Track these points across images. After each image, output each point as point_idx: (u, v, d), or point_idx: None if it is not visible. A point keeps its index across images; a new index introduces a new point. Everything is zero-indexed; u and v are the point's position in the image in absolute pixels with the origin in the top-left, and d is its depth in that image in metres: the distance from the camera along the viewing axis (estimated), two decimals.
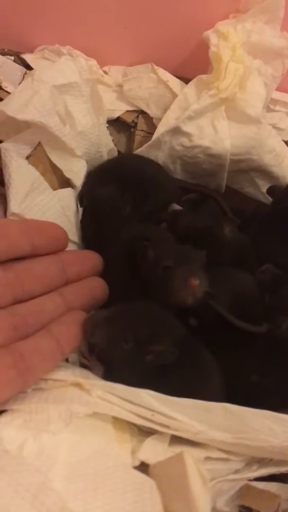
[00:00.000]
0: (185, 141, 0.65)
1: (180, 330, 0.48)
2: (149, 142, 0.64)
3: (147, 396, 0.42)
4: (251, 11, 0.64)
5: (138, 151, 0.66)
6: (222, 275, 0.53)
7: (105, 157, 0.67)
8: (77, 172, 0.62)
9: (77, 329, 0.45)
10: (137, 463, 0.39)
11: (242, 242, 0.59)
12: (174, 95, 0.67)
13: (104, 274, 0.53)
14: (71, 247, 0.56)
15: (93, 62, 0.70)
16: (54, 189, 0.58)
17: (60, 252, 0.49)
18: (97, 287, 0.51)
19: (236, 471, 0.43)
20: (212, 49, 0.63)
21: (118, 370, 0.45)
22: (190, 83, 0.65)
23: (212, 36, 0.63)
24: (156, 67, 0.68)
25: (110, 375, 0.44)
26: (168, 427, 0.41)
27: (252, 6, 0.65)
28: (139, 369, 0.45)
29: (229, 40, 0.62)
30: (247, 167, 0.67)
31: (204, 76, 0.64)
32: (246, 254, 0.59)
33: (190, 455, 0.38)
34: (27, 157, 0.57)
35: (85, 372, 0.45)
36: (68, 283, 0.48)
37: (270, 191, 0.65)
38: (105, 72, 0.71)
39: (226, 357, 0.50)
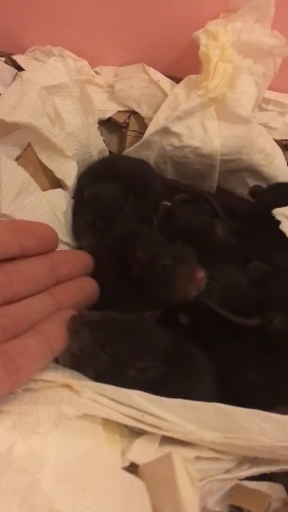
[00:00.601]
0: (175, 141, 0.65)
1: (166, 343, 0.48)
2: (139, 142, 0.65)
3: (138, 397, 0.42)
4: (241, 10, 0.64)
5: (128, 151, 0.66)
6: (213, 270, 0.53)
7: (95, 157, 0.66)
8: (68, 173, 0.62)
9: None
10: (126, 464, 0.39)
11: (232, 241, 0.59)
12: (165, 95, 0.67)
13: (95, 272, 0.53)
14: (61, 247, 0.56)
15: (84, 63, 0.70)
16: (44, 190, 0.58)
17: (50, 253, 0.49)
18: (87, 287, 0.51)
19: (227, 471, 0.43)
20: (202, 49, 0.63)
21: (103, 374, 0.44)
22: (180, 83, 0.65)
23: (202, 36, 0.64)
24: (147, 67, 0.68)
25: (99, 377, 0.44)
26: (158, 428, 0.41)
27: (242, 5, 0.65)
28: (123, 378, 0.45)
29: (218, 40, 0.62)
30: (237, 167, 0.67)
31: (194, 76, 0.64)
32: (235, 253, 0.59)
33: (179, 455, 0.38)
34: (17, 158, 0.57)
35: (75, 373, 0.45)
36: (58, 284, 0.48)
37: (251, 192, 0.65)
38: (97, 73, 0.71)
39: (220, 354, 0.51)
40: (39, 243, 0.47)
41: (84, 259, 0.53)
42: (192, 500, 0.35)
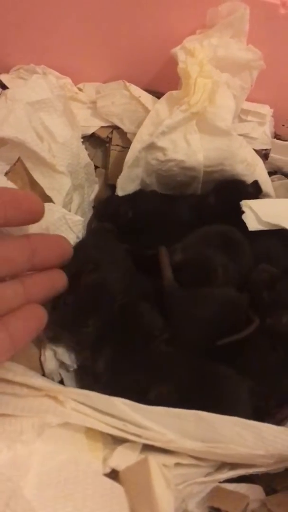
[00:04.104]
0: (159, 155, 0.66)
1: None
2: (129, 163, 0.65)
3: (121, 405, 0.44)
4: (217, 26, 0.66)
5: (121, 177, 0.66)
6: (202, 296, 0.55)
7: (83, 170, 0.68)
8: (59, 189, 0.62)
9: (33, 325, 0.45)
10: (108, 470, 0.41)
11: None
12: (147, 110, 0.68)
13: None
14: None
15: (67, 80, 0.72)
16: None
17: (31, 235, 0.48)
18: (58, 280, 0.50)
19: (207, 474, 0.45)
20: (180, 65, 0.65)
21: None
22: (161, 99, 0.67)
23: (179, 53, 0.65)
24: (128, 84, 0.70)
25: None
26: (139, 436, 0.43)
27: (218, 21, 0.66)
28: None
29: (196, 56, 0.64)
30: (220, 177, 0.69)
31: (174, 92, 0.66)
32: None
33: (155, 459, 0.39)
34: (6, 173, 0.58)
35: (59, 385, 0.47)
36: (33, 269, 0.47)
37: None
38: (80, 89, 0.73)
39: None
40: (25, 216, 0.45)
41: (64, 246, 0.52)
42: (167, 502, 0.37)
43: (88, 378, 0.52)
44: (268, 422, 0.47)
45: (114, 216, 0.65)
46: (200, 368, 0.51)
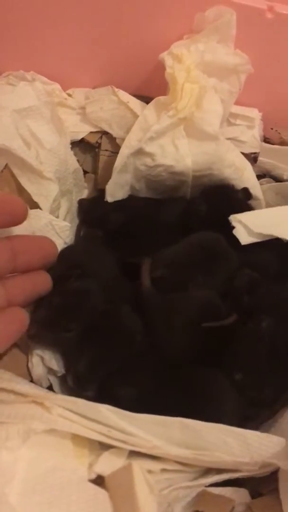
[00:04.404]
0: (148, 161, 0.66)
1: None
2: (118, 169, 0.65)
3: (107, 411, 0.44)
4: (204, 31, 0.66)
5: (110, 182, 0.67)
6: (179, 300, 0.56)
7: (71, 176, 0.68)
8: (46, 195, 0.63)
9: (14, 328, 0.45)
10: (93, 476, 0.41)
11: None
12: (135, 115, 0.69)
13: None
14: None
15: (56, 86, 0.72)
16: None
17: (13, 236, 0.49)
18: (41, 283, 0.51)
19: (193, 478, 0.45)
20: (168, 70, 0.65)
21: None
22: (149, 104, 0.67)
23: (167, 58, 0.66)
24: (116, 89, 0.70)
25: None
26: (124, 442, 0.43)
27: (205, 26, 0.66)
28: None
29: (183, 61, 0.64)
30: (209, 182, 0.69)
31: (162, 98, 0.66)
32: None
33: (141, 465, 0.40)
34: None
35: (48, 391, 0.47)
36: (15, 271, 0.47)
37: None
38: (69, 95, 0.73)
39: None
40: (7, 218, 0.46)
41: (48, 248, 0.52)
42: (150, 507, 0.37)
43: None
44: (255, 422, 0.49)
45: (102, 221, 0.65)
46: (176, 373, 0.52)
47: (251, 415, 0.53)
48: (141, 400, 0.49)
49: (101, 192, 0.69)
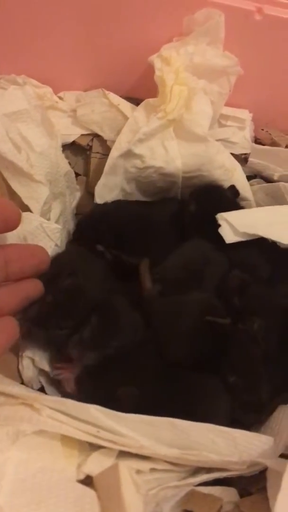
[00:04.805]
0: (138, 162, 0.67)
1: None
2: (106, 170, 0.66)
3: (96, 412, 0.44)
4: (193, 33, 0.67)
5: (99, 184, 0.67)
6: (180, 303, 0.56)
7: (63, 178, 0.69)
8: (37, 198, 0.63)
9: (5, 338, 0.45)
10: (82, 477, 0.42)
11: None
12: (126, 118, 0.69)
13: None
14: None
15: (48, 89, 0.72)
16: None
17: (5, 245, 0.48)
18: (33, 290, 0.51)
19: (182, 478, 0.46)
20: (157, 73, 0.66)
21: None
22: (139, 106, 0.68)
23: (156, 61, 0.66)
24: (107, 92, 0.71)
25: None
26: (114, 442, 0.43)
27: (194, 28, 0.67)
28: None
29: (172, 64, 0.65)
30: (199, 183, 0.69)
31: (151, 100, 0.66)
32: None
33: (130, 465, 0.40)
34: None
35: (38, 392, 0.48)
36: (8, 280, 0.47)
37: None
38: (60, 98, 0.74)
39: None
40: (1, 224, 0.45)
41: (40, 256, 0.52)
42: (136, 507, 0.37)
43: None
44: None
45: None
46: (174, 375, 0.52)
47: (245, 420, 0.53)
48: (140, 400, 0.49)
49: (94, 195, 0.69)
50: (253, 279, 0.59)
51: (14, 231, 0.57)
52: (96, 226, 0.65)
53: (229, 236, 0.60)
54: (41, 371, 0.54)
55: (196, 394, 0.52)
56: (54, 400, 0.45)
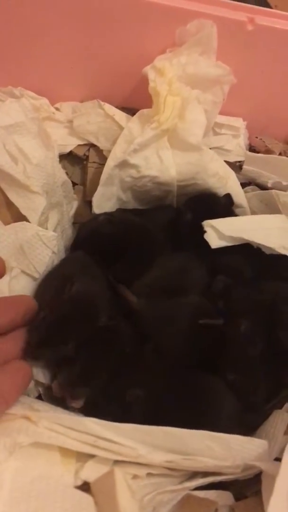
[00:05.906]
0: (133, 172, 0.68)
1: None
2: (102, 181, 0.67)
3: (92, 424, 0.45)
4: (186, 44, 0.68)
5: (96, 194, 0.69)
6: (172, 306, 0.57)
7: (60, 188, 0.70)
8: (34, 209, 0.63)
9: (20, 379, 0.46)
10: (79, 483, 0.43)
11: None
12: (121, 128, 0.70)
13: None
14: (24, 279, 0.60)
15: (44, 101, 0.74)
16: (8, 223, 0.61)
17: None
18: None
19: (178, 482, 0.46)
20: (151, 84, 0.67)
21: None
22: (134, 117, 0.69)
23: (150, 72, 0.67)
24: (102, 103, 0.72)
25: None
26: (111, 451, 0.44)
27: (187, 39, 0.68)
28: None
29: (165, 75, 0.66)
30: (194, 191, 0.71)
31: (145, 111, 0.68)
32: None
33: (127, 470, 0.41)
34: None
35: (34, 403, 0.48)
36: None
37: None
38: (57, 109, 0.75)
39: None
40: None
41: (26, 304, 0.52)
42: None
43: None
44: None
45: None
46: (181, 377, 0.53)
47: (245, 419, 0.53)
48: (147, 402, 0.50)
49: (91, 204, 0.70)
50: (237, 282, 0.60)
51: (10, 241, 0.59)
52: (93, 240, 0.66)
53: (214, 241, 0.61)
54: (38, 382, 0.54)
55: (204, 394, 0.53)
56: (51, 416, 0.45)
